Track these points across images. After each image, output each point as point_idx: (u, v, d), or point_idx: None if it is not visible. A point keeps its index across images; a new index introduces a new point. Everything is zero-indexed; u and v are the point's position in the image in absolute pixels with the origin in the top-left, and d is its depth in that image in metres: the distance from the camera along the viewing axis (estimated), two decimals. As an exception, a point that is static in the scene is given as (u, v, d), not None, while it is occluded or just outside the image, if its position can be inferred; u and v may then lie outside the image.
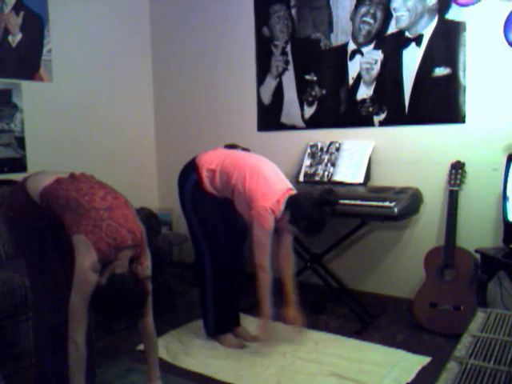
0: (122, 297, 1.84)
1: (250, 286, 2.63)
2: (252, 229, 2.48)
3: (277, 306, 2.62)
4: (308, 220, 2.45)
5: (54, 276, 2.08)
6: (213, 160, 2.63)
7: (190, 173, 2.67)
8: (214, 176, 2.60)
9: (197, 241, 2.72)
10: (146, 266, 1.99)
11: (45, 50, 3.56)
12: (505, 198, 2.65)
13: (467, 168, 2.96)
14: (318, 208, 2.46)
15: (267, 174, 2.54)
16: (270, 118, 3.75)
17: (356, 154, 3.26)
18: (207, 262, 2.71)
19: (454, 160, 2.97)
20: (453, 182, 2.92)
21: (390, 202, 2.79)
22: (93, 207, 1.89)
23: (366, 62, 3.28)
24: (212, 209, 2.66)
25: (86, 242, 1.82)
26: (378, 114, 3.26)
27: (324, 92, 3.47)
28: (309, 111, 3.55)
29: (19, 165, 3.43)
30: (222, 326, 2.79)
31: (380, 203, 2.82)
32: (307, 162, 3.44)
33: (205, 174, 2.61)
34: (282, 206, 2.46)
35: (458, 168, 2.92)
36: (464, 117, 2.97)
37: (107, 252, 1.84)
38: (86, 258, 1.81)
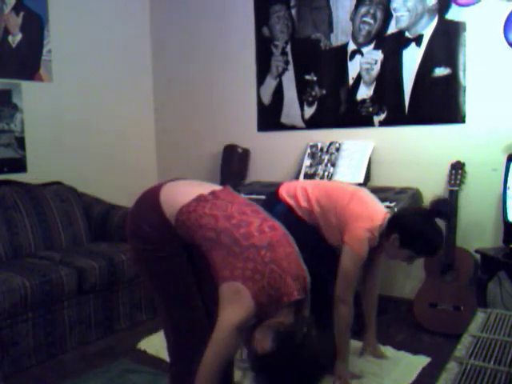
0: (297, 362, 1.38)
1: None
2: (341, 257, 2.17)
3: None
4: (423, 238, 2.10)
5: (197, 316, 1.66)
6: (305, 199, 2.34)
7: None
8: (311, 213, 2.31)
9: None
10: (305, 317, 1.60)
11: (45, 50, 3.56)
12: (505, 198, 2.64)
13: (467, 168, 2.95)
14: (431, 221, 2.11)
15: (364, 197, 2.29)
16: (270, 118, 3.75)
17: (356, 154, 3.26)
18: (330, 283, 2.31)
19: (454, 160, 2.96)
20: (453, 182, 2.91)
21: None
22: (252, 245, 1.46)
23: (366, 62, 3.28)
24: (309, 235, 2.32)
25: (241, 293, 1.41)
26: (378, 114, 3.26)
27: (324, 92, 3.47)
28: (309, 111, 3.55)
29: (19, 165, 3.43)
30: None
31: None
32: (307, 162, 3.44)
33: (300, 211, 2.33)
34: (382, 228, 2.15)
35: (458, 168, 2.92)
36: (464, 117, 2.97)
37: (266, 307, 1.43)
38: (237, 313, 1.40)
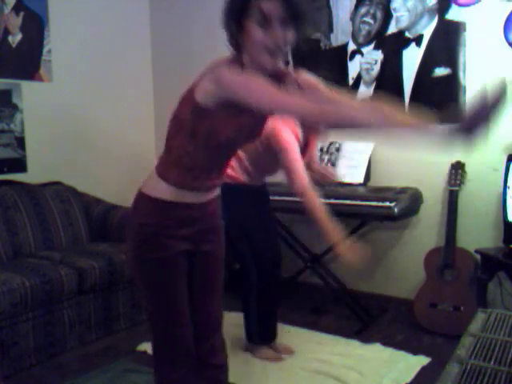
0: None
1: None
2: (283, 163, 2.30)
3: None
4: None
5: (184, 325, 1.59)
6: None
7: None
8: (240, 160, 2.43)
9: (239, 250, 2.55)
10: None
11: (45, 50, 3.56)
12: (505, 198, 2.65)
13: (467, 168, 2.95)
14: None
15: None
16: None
17: (356, 155, 3.26)
18: (252, 270, 2.53)
19: (454, 160, 2.96)
20: (453, 182, 2.91)
21: (390, 202, 2.79)
22: None
23: (365, 63, 3.28)
24: (248, 211, 2.49)
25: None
26: (378, 114, 3.26)
27: (324, 92, 3.46)
28: (309, 111, 3.54)
29: (19, 165, 3.43)
30: (266, 335, 2.65)
31: (380, 203, 2.81)
32: (307, 162, 3.44)
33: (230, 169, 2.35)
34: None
35: (458, 168, 2.92)
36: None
37: None
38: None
